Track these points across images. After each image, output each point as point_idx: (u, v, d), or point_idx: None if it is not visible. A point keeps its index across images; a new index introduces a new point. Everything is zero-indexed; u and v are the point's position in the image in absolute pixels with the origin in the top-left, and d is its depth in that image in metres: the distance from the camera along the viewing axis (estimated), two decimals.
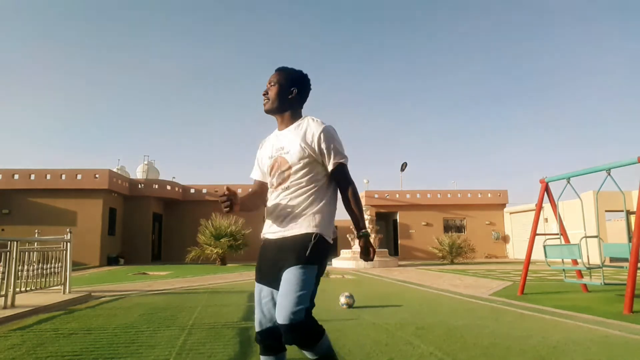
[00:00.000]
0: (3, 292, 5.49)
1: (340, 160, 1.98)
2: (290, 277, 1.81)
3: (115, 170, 19.32)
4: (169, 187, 20.75)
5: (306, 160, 1.96)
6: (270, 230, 1.99)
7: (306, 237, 1.87)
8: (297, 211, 1.93)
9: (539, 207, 7.78)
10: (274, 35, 49.27)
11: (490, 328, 4.33)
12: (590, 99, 47.94)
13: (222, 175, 66.37)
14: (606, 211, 17.49)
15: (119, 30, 44.96)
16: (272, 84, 2.12)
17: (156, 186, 20.33)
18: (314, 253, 1.85)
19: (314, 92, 2.29)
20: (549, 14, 45.81)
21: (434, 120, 52.31)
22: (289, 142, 2.01)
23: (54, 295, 6.59)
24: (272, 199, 2.02)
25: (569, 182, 6.97)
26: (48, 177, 17.31)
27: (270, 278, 1.93)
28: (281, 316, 1.75)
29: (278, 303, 1.80)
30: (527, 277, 7.43)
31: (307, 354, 1.83)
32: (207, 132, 53.42)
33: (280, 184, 2.00)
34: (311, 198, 1.95)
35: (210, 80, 51.84)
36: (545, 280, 9.56)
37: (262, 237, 2.08)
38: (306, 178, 1.96)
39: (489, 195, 23.34)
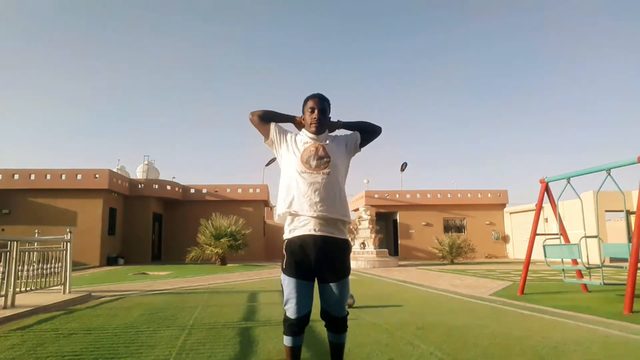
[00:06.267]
0: (3, 292, 5.50)
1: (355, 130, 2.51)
2: None
3: (115, 170, 19.28)
4: (169, 187, 20.73)
5: None
6: None
7: None
8: None
9: (539, 207, 7.77)
10: (274, 35, 49.24)
11: (490, 328, 4.33)
12: (591, 100, 47.90)
13: (221, 176, 66.34)
14: (606, 211, 17.47)
15: (119, 30, 44.96)
16: (321, 110, 2.24)
17: (156, 186, 20.31)
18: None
19: (311, 92, 2.32)
20: (549, 17, 45.78)
21: (434, 120, 52.29)
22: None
23: (54, 295, 6.59)
24: None
25: (569, 182, 6.97)
26: (48, 177, 17.28)
27: None
28: None
29: None
30: (527, 277, 7.43)
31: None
32: (207, 132, 53.42)
33: None
34: None
35: (210, 80, 51.84)
36: (545, 280, 9.56)
37: None
38: None
39: (489, 195, 23.30)
